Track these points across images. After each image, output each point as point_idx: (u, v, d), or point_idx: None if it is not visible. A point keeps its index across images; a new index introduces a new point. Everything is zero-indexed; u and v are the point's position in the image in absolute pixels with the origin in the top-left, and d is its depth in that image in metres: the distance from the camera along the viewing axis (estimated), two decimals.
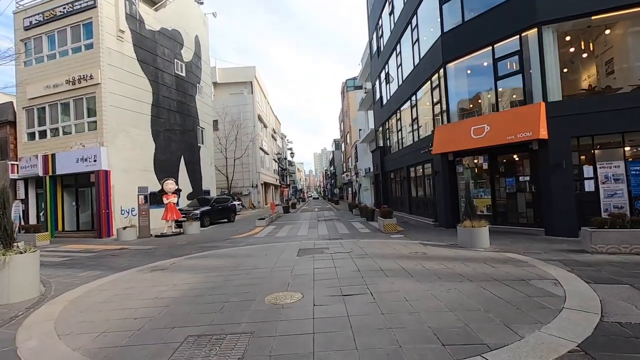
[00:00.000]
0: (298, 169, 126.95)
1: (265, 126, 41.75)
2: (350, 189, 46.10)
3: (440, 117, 12.91)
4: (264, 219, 17.52)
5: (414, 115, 16.16)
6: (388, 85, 20.94)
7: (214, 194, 23.96)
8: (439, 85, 12.85)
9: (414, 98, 16.02)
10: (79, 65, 15.63)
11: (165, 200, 14.91)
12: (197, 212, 17.22)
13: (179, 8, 20.86)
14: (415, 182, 16.66)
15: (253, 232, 14.56)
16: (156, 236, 14.56)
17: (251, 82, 36.18)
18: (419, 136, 15.67)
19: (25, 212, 17.05)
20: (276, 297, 4.82)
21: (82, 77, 15.41)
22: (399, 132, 19.17)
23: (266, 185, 41.41)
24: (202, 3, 23.47)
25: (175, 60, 20.11)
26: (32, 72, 16.61)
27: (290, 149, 78.74)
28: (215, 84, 33.97)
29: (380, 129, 23.90)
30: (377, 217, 14.56)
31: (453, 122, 12.08)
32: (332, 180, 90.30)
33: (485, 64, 11.25)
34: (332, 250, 8.49)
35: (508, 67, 10.47)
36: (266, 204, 40.24)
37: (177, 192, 15.59)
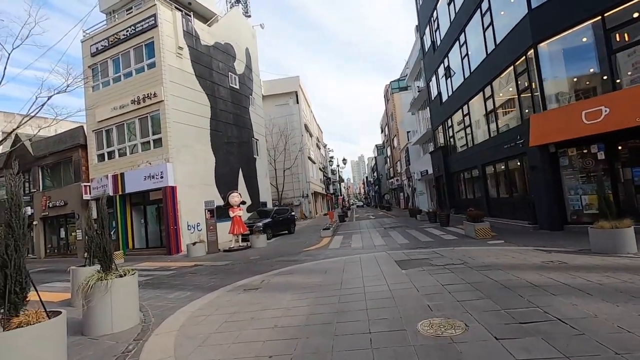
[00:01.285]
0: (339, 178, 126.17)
1: (311, 135, 41.45)
2: (401, 194, 44.33)
3: (531, 105, 11.40)
4: (328, 228, 16.69)
5: (489, 108, 14.66)
6: (449, 80, 19.52)
7: (269, 205, 23.63)
8: (527, 69, 11.37)
9: (488, 89, 14.55)
10: (143, 84, 15.92)
11: (231, 214, 14.55)
12: (260, 224, 16.76)
13: (230, 22, 21.01)
14: (496, 180, 15.04)
15: (324, 244, 13.72)
16: (224, 251, 14.19)
17: (296, 91, 36.10)
18: (497, 130, 14.13)
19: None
20: (431, 326, 3.82)
21: (146, 95, 15.65)
22: (467, 129, 17.64)
23: (314, 194, 40.89)
24: (249, 16, 23.60)
25: (229, 73, 20.15)
26: (100, 96, 17.22)
27: (332, 157, 78.33)
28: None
29: (440, 127, 22.39)
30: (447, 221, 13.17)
31: (551, 108, 10.53)
32: (376, 187, 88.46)
33: (587, 39, 9.71)
34: (439, 262, 7.35)
35: (626, 38, 8.87)
36: (316, 214, 39.63)
37: (242, 204, 15.20)
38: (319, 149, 52.07)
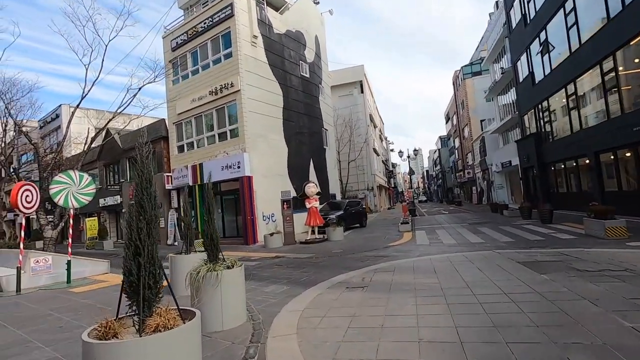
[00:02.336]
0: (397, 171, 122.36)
1: (375, 126, 40.05)
2: (473, 187, 41.12)
3: None
4: (407, 222, 15.50)
5: (609, 85, 12.30)
6: (547, 56, 17.02)
7: (338, 197, 22.99)
8: None
9: (608, 62, 12.19)
10: (220, 75, 16.04)
11: (307, 205, 14.06)
12: (334, 216, 16.10)
13: (300, 9, 20.52)
14: (615, 170, 12.65)
15: (407, 239, 12.63)
16: (301, 243, 13.76)
17: (361, 81, 34.89)
18: (622, 110, 11.78)
19: (179, 221, 18.24)
20: None
21: (223, 86, 15.73)
22: (572, 111, 15.18)
23: (379, 188, 39.52)
24: (318, 2, 22.95)
25: (300, 61, 19.71)
26: (180, 89, 17.77)
27: (392, 150, 75.65)
28: None
29: (531, 112, 19.81)
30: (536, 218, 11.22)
31: None
32: (439, 181, 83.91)
33: None
34: (583, 266, 5.93)
35: None
36: (381, 208, 38.32)
37: (318, 195, 14.64)
38: (381, 140, 50.38)
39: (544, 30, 16.98)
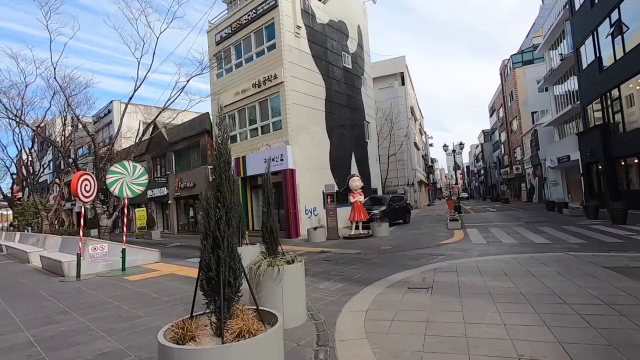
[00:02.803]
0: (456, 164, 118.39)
1: (415, 119, 38.68)
2: (522, 184, 38.64)
3: None
4: (456, 220, 14.63)
5: None
6: (620, 37, 15.27)
7: (379, 192, 22.35)
8: None
9: None
10: (263, 67, 15.94)
11: (351, 199, 13.63)
12: (377, 212, 15.56)
13: None
14: None
15: (459, 237, 11.85)
16: (345, 238, 13.39)
17: (402, 72, 33.71)
18: None
19: None
20: None
21: (266, 78, 15.62)
22: None
23: (419, 183, 38.23)
24: None
25: (342, 52, 19.21)
26: (223, 83, 17.91)
27: (432, 144, 73.08)
28: None
29: (598, 101, 17.99)
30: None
31: None
32: (481, 177, 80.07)
33: None
34: None
35: None
36: (421, 204, 37.06)
37: (362, 189, 14.17)
38: (421, 134, 48.71)
39: (616, 10, 15.24)
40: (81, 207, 29.94)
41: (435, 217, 21.84)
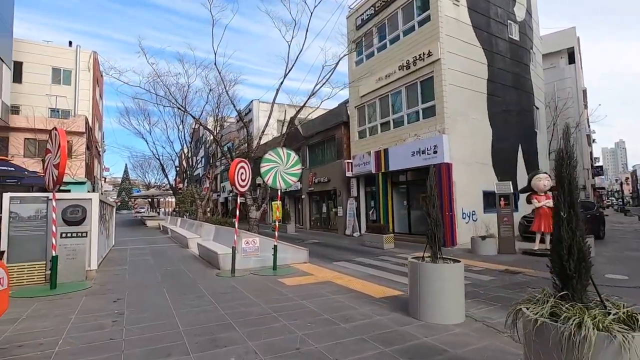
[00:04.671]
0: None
1: (586, 106, 30.82)
2: None
3: None
4: None
5: None
6: None
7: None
8: None
9: None
10: (413, 45, 13.81)
11: (535, 203, 10.37)
12: None
13: None
14: None
15: None
16: (525, 253, 10.26)
17: (571, 48, 27.01)
18: None
19: (357, 211, 17.18)
20: None
21: (417, 57, 13.44)
22: None
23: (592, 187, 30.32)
24: None
25: (508, 21, 15.59)
26: (363, 69, 16.46)
27: (594, 140, 58.83)
28: None
29: None
30: None
31: None
32: None
33: None
34: None
35: None
36: None
37: (550, 192, 10.70)
38: (588, 127, 39.03)
39: None
40: (227, 197, 32.77)
41: (631, 232, 16.17)
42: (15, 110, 22.23)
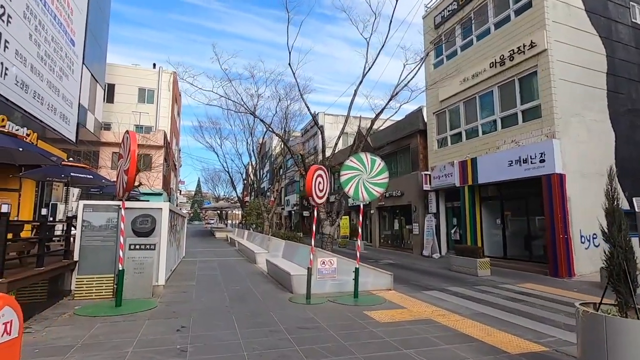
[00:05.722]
0: None
1: None
2: None
3: None
4: None
5: None
6: None
7: None
8: None
9: None
10: (509, 38, 11.88)
11: None
12: None
13: None
14: None
15: None
16: None
17: None
18: None
19: (437, 229, 15.23)
20: None
21: (515, 51, 11.48)
22: None
23: None
24: None
25: (630, 3, 12.87)
26: (443, 71, 14.77)
27: None
28: None
29: None
30: None
31: None
32: None
33: None
34: None
35: None
36: None
37: None
38: None
39: None
40: (291, 210, 32.17)
41: None
42: (107, 127, 24.34)
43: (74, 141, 14.88)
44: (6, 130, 5.41)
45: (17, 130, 10.24)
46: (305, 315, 5.53)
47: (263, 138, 29.44)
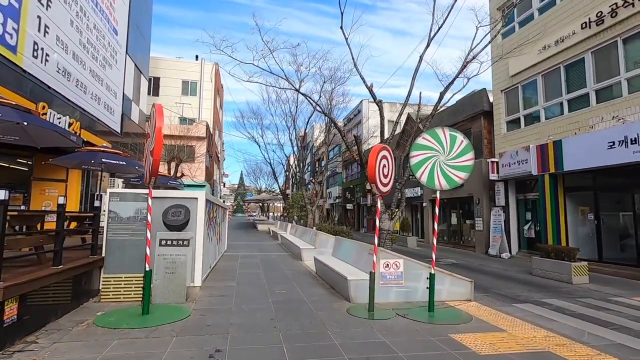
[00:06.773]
0: None
1: None
2: None
3: None
4: None
5: None
6: None
7: None
8: None
9: None
10: None
11: None
12: None
13: None
14: None
15: None
16: None
17: None
18: None
19: (506, 225, 13.22)
20: None
21: (619, 4, 9.20)
22: None
23: None
24: None
25: None
26: (514, 41, 12.60)
27: None
28: None
29: None
30: None
31: None
32: None
33: None
34: None
35: None
36: None
37: None
38: None
39: None
40: (332, 203, 31.17)
41: None
42: None
43: (119, 132, 14.66)
44: (5, 101, 4.57)
45: (59, 119, 9.92)
46: (373, 336, 4.22)
47: (305, 129, 28.47)
